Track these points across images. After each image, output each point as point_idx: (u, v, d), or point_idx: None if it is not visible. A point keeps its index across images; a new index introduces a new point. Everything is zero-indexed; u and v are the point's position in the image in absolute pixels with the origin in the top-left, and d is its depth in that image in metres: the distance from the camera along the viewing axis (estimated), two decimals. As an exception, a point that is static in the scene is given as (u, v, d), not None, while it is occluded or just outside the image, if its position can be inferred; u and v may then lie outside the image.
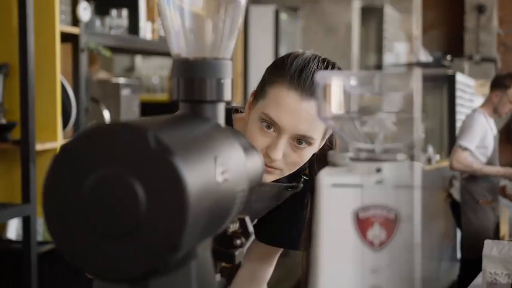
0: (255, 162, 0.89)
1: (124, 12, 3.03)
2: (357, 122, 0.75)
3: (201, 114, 0.83)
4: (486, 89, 8.39)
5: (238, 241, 0.86)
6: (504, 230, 5.19)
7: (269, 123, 1.23)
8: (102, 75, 3.98)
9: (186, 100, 0.84)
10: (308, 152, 1.25)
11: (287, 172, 1.27)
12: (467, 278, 4.56)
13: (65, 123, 2.63)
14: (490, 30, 9.55)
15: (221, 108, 0.85)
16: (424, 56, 5.53)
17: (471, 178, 4.34)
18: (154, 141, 0.64)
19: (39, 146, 2.45)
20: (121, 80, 3.16)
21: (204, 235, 0.72)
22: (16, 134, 2.45)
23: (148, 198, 0.63)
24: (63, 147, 0.67)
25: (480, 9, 9.45)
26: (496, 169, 4.39)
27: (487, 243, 1.91)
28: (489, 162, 4.32)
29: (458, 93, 6.89)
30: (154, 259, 0.62)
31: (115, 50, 3.20)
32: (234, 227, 0.88)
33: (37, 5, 2.47)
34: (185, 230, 0.62)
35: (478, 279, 2.09)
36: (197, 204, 0.65)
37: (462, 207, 4.37)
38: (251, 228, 0.87)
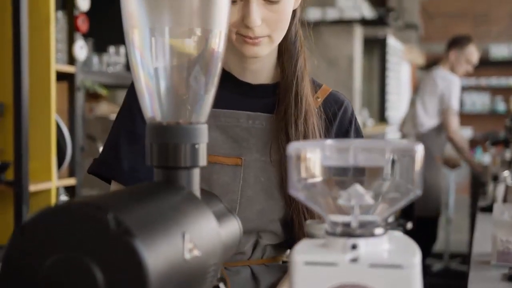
0: (231, 229, 0.86)
1: (122, 49, 3.03)
2: (332, 194, 0.72)
3: (175, 181, 0.81)
4: (414, 55, 8.49)
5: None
6: None
7: None
8: (104, 107, 3.98)
9: (160, 166, 0.82)
10: (287, 5, 1.15)
11: (277, 36, 1.17)
12: (420, 236, 4.60)
13: (60, 163, 2.61)
14: None
15: (196, 174, 0.83)
16: (367, 11, 5.55)
17: (429, 133, 4.39)
18: (114, 222, 0.61)
19: (32, 187, 2.42)
20: (119, 117, 3.13)
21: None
22: (9, 174, 2.42)
23: (107, 282, 0.60)
24: (23, 226, 0.64)
25: None
26: (477, 164, 4.53)
27: (497, 206, 1.72)
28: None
29: (387, 57, 6.97)
30: None
31: (113, 86, 3.19)
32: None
33: (33, 43, 2.47)
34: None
35: (487, 247, 1.82)
36: (161, 287, 0.62)
37: None
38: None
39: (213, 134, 1.20)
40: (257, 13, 1.12)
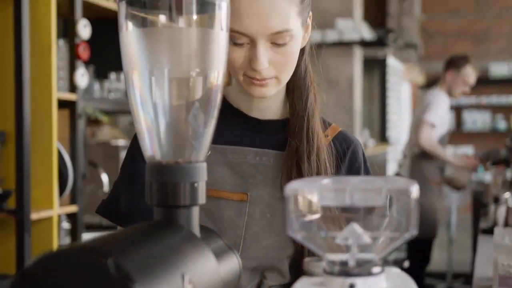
0: (230, 266, 0.87)
1: (123, 75, 3.05)
2: (330, 233, 0.73)
3: (174, 220, 0.82)
4: (414, 74, 8.53)
5: None
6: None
7: (238, 38, 1.10)
8: (106, 131, 3.99)
9: (159, 205, 0.83)
10: (294, 47, 1.14)
11: (284, 77, 1.16)
12: (415, 260, 4.54)
13: (61, 190, 2.61)
14: (413, 16, 9.66)
15: (195, 212, 0.83)
16: (367, 33, 5.57)
17: (422, 156, 4.33)
18: (114, 267, 0.62)
19: (34, 215, 2.43)
20: (120, 142, 3.16)
21: None
22: (11, 203, 2.43)
23: (108, 327, 0.61)
24: (23, 271, 0.65)
25: None
26: (457, 160, 4.45)
27: (498, 230, 1.72)
28: (440, 142, 4.36)
29: (387, 77, 7.00)
30: None
31: (114, 112, 3.22)
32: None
33: (34, 71, 2.49)
34: None
35: (488, 271, 1.81)
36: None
37: None
38: None
39: (220, 170, 1.20)
40: (264, 56, 1.11)
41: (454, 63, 4.44)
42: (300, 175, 1.16)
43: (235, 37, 1.10)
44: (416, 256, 4.38)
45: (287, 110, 1.25)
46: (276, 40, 1.11)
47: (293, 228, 0.72)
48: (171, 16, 0.87)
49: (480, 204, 4.67)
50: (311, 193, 0.72)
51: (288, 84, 1.24)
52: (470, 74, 4.43)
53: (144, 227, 0.81)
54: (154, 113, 0.83)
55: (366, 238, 0.71)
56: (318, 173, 1.17)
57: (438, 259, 6.67)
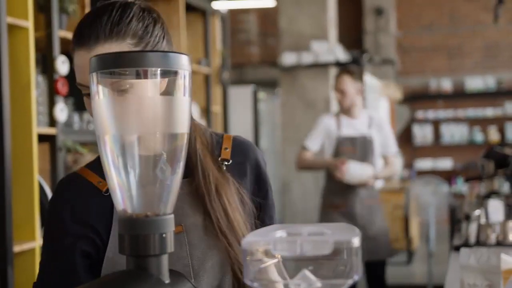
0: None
1: (102, 106, 3.13)
2: (284, 279, 0.81)
3: (145, 269, 0.90)
4: (391, 90, 8.65)
5: None
6: None
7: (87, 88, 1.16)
8: (88, 159, 4.05)
9: (131, 255, 0.91)
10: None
11: None
12: (370, 280, 4.45)
13: (43, 222, 2.68)
14: (388, 32, 9.86)
15: (164, 259, 0.91)
16: (341, 54, 5.56)
17: (325, 183, 4.17)
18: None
19: (17, 248, 2.49)
20: (101, 171, 3.22)
21: None
22: (-7, 236, 2.49)
23: None
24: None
25: (378, 12, 9.76)
26: (323, 160, 4.12)
27: (464, 251, 1.77)
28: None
29: (365, 94, 7.11)
30: None
31: (95, 143, 3.29)
32: None
33: (14, 107, 2.56)
34: None
35: None
36: None
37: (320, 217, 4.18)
38: None
39: None
40: None
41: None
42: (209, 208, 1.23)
43: (85, 88, 1.17)
44: (372, 279, 4.33)
45: None
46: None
47: (250, 277, 0.80)
48: (138, 84, 0.96)
49: (455, 218, 4.74)
50: (266, 245, 0.80)
51: None
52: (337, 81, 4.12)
53: (116, 277, 0.89)
54: (125, 171, 0.91)
55: (316, 283, 0.80)
56: (225, 211, 1.24)
57: (418, 272, 6.78)
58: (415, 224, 7.46)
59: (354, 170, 3.91)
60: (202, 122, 4.08)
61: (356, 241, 0.78)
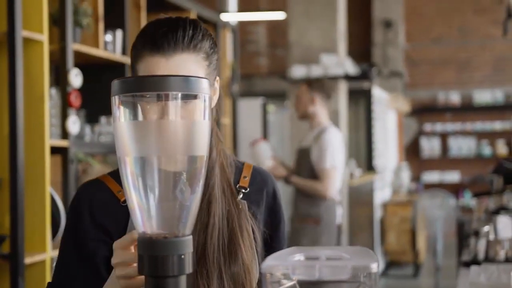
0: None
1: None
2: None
3: (163, 290, 0.91)
4: (399, 103, 8.62)
5: None
6: None
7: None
8: (97, 168, 4.06)
9: (150, 275, 0.92)
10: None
11: None
12: None
13: (54, 233, 2.69)
14: (397, 45, 9.84)
15: (183, 280, 0.93)
16: (351, 68, 5.59)
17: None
18: None
19: (28, 259, 2.50)
20: (111, 183, 3.23)
21: None
22: (5, 247, 2.51)
23: None
24: None
25: (387, 24, 9.74)
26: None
27: (474, 269, 1.80)
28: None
29: (373, 107, 7.10)
30: None
31: (106, 154, 3.31)
32: None
33: (28, 119, 2.58)
34: None
35: None
36: None
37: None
38: None
39: None
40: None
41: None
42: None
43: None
44: None
45: None
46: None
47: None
48: (159, 108, 0.97)
49: (463, 232, 4.72)
50: (285, 269, 0.81)
51: None
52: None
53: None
54: (145, 192, 0.93)
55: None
56: (207, 225, 1.24)
57: (424, 286, 6.76)
58: (422, 237, 7.45)
59: (258, 149, 3.95)
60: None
61: (374, 267, 0.79)
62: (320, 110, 4.06)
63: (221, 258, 1.23)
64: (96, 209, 1.27)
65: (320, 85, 4.10)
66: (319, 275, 0.80)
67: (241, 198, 1.30)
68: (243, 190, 1.32)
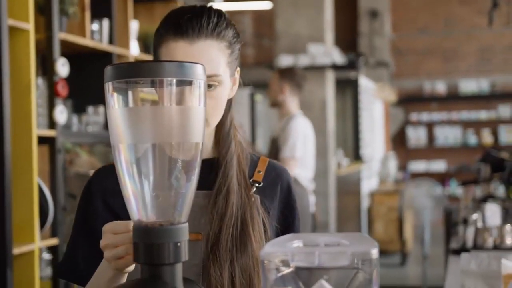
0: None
1: (101, 109, 3.12)
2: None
3: (159, 277, 0.90)
4: (386, 93, 8.65)
5: None
6: None
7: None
8: (84, 159, 4.04)
9: (146, 263, 0.91)
10: (222, 92, 1.22)
11: (213, 121, 1.24)
12: None
13: (42, 223, 2.67)
14: (383, 35, 9.88)
15: (179, 268, 0.92)
16: (338, 57, 5.61)
17: None
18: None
19: (16, 250, 2.48)
20: (98, 173, 3.21)
21: None
22: (-7, 238, 2.48)
23: None
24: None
25: (374, 14, 9.77)
26: None
27: (464, 256, 1.79)
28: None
29: (360, 97, 7.13)
30: None
31: (93, 144, 3.29)
32: None
33: (14, 109, 2.55)
34: None
35: None
36: None
37: None
38: None
39: None
40: None
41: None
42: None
43: None
44: None
45: (215, 150, 1.31)
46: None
47: (268, 286, 0.81)
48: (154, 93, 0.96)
49: (451, 221, 4.74)
50: (284, 256, 0.80)
51: (216, 127, 1.29)
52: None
53: (130, 286, 0.89)
54: (140, 180, 0.91)
55: (334, 292, 0.80)
56: (223, 214, 1.24)
57: (412, 274, 6.80)
58: (409, 226, 7.49)
59: None
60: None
61: (374, 252, 0.78)
62: (289, 99, 4.06)
63: (233, 248, 1.23)
64: (108, 193, 1.27)
65: (291, 74, 4.10)
66: (318, 262, 0.80)
67: (255, 192, 1.30)
68: (257, 185, 1.31)
